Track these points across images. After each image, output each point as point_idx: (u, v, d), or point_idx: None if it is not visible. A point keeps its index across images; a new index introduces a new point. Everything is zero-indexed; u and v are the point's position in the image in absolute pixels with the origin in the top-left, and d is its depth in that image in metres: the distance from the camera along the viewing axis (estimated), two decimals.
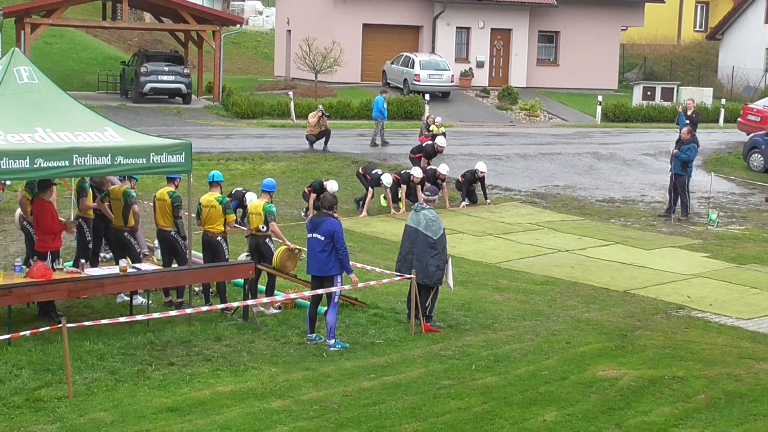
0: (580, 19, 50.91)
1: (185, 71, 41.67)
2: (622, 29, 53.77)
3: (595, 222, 24.33)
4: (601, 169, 31.45)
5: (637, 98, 47.54)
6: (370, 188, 24.63)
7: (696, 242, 22.30)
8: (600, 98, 44.81)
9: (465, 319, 15.52)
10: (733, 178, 30.75)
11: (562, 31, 51.20)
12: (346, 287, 14.34)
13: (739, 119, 38.78)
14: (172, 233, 15.79)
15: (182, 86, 41.47)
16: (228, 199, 16.26)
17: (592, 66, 51.22)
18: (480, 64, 49.56)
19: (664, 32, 62.46)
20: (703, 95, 47.16)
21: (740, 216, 25.97)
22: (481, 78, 49.19)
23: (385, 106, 34.00)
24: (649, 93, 47.73)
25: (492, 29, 49.60)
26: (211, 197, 15.72)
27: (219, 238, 15.70)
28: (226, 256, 15.75)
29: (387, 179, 24.40)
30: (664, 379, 13.10)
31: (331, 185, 22.92)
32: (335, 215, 14.02)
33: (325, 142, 31.79)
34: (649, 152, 34.55)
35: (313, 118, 32.00)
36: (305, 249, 14.47)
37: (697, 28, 66.21)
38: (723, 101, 46.35)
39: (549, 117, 45.10)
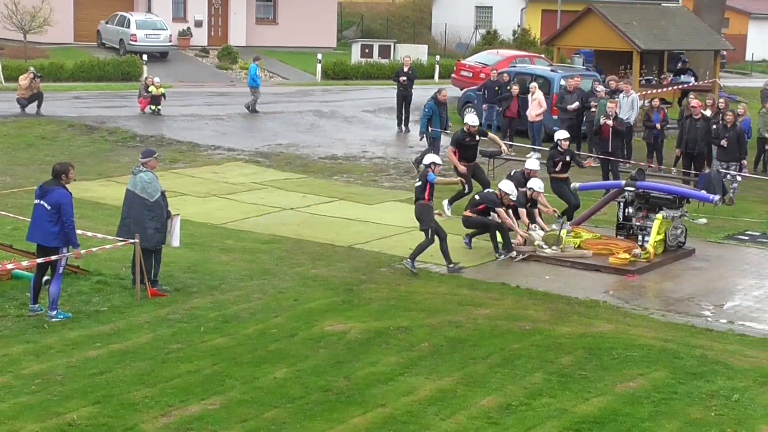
0: None
1: None
2: None
3: (318, 179, 24.57)
4: (323, 127, 31.80)
5: (355, 56, 48.32)
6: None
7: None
8: (319, 56, 45.22)
9: (192, 282, 15.36)
10: (449, 132, 31.76)
11: None
12: (70, 254, 13.81)
13: (453, 75, 40.18)
14: None
15: None
16: None
17: (311, 24, 51.55)
18: (198, 24, 48.90)
19: None
20: (419, 52, 48.54)
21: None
22: (200, 37, 48.57)
23: (258, 73, 33.36)
24: (367, 51, 48.65)
25: None
26: None
27: None
28: None
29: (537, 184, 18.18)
30: (389, 329, 13.46)
31: (471, 118, 20.34)
32: (66, 186, 13.43)
33: (38, 106, 30.61)
34: (368, 109, 35.25)
35: (24, 80, 30.74)
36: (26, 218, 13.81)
37: None
38: (438, 58, 47.90)
39: (270, 76, 45.08)
